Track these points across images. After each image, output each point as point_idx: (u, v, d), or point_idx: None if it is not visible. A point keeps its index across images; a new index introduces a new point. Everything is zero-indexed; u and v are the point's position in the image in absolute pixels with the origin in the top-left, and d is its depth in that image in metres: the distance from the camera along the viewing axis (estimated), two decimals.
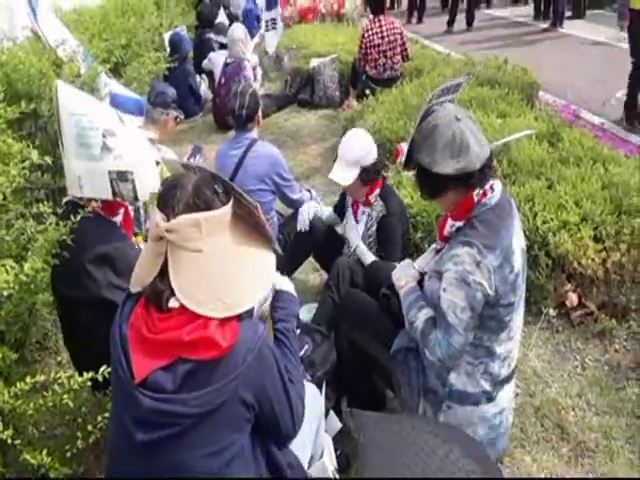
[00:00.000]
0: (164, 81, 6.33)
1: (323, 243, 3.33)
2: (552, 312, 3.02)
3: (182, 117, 4.11)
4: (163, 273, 1.42)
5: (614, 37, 9.01)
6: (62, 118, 2.01)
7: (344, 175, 2.89)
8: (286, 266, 3.28)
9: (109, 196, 2.04)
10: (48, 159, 2.17)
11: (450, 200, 1.97)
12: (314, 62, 7.12)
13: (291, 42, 8.29)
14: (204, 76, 7.42)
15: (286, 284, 1.92)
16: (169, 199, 1.42)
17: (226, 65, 6.36)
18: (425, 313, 2.02)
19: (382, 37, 5.67)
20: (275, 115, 6.93)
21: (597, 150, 3.92)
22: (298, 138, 6.31)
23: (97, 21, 4.82)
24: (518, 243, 1.97)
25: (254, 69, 6.69)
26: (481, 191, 1.94)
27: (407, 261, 2.28)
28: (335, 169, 2.94)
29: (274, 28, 7.63)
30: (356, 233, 3.00)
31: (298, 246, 3.27)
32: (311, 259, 3.56)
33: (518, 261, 1.95)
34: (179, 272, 1.41)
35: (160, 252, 1.42)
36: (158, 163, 2.19)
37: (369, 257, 2.89)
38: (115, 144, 1.99)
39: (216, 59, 6.87)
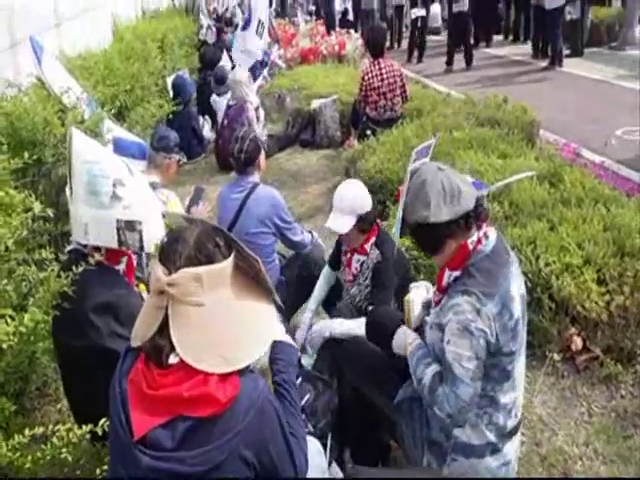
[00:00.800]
0: (167, 123, 6.41)
1: None
2: (556, 356, 2.98)
3: (185, 160, 4.15)
4: (163, 328, 1.41)
5: (613, 75, 9.14)
6: (74, 164, 2.02)
7: (341, 223, 2.86)
8: (287, 308, 3.27)
9: (114, 245, 2.04)
10: (50, 211, 2.17)
11: (450, 251, 1.98)
12: (315, 103, 7.23)
13: (293, 83, 8.43)
14: (207, 117, 7.52)
15: (282, 335, 1.90)
16: (170, 253, 1.42)
17: (229, 107, 6.45)
18: (432, 369, 1.99)
19: (382, 79, 5.75)
20: (277, 155, 7.00)
21: (598, 190, 3.93)
22: (300, 178, 6.36)
23: (101, 66, 4.89)
24: (517, 290, 1.97)
25: (257, 110, 6.78)
26: (476, 239, 1.96)
27: (402, 329, 2.22)
28: (331, 218, 2.91)
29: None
30: (318, 328, 2.79)
31: (300, 289, 3.25)
32: None
33: (517, 308, 1.94)
34: (180, 327, 1.40)
35: (161, 306, 1.41)
36: (164, 216, 2.19)
37: (351, 326, 2.69)
38: (125, 194, 2.01)
39: (219, 101, 6.97)
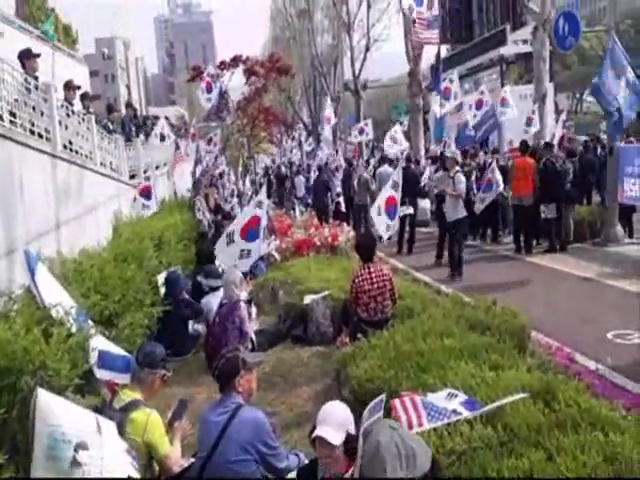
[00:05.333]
0: (161, 318, 6.42)
1: None
2: None
3: (169, 375, 4.05)
4: None
5: (598, 273, 9.34)
6: (36, 426, 1.98)
7: (332, 434, 2.81)
8: None
9: None
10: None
11: None
12: (307, 299, 7.33)
13: (287, 276, 8.59)
14: None
15: None
16: None
17: (221, 306, 6.50)
18: None
19: (372, 283, 5.88)
20: (268, 352, 6.90)
21: (595, 411, 3.77)
22: (290, 378, 6.22)
23: (96, 271, 4.98)
24: None
25: (248, 306, 6.82)
26: None
27: None
28: (322, 429, 2.86)
29: (244, 257, 7.71)
30: None
31: None
32: None
33: None
34: None
35: None
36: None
37: None
38: (86, 459, 1.92)
39: (210, 302, 7.05)
